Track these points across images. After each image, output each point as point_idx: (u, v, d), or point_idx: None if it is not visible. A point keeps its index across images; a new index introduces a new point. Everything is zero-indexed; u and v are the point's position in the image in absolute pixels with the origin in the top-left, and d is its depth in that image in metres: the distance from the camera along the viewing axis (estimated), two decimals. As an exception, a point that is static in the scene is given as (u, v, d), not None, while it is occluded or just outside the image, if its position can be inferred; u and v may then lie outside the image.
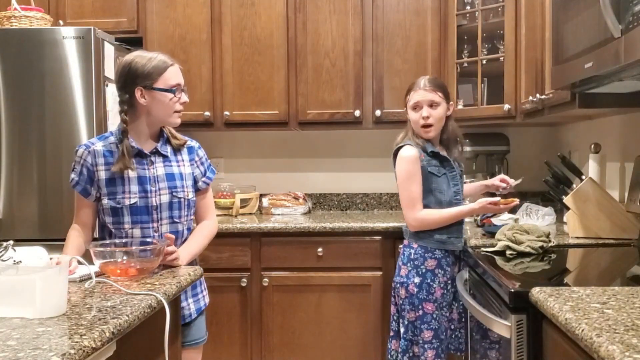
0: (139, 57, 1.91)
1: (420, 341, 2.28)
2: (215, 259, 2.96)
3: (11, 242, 1.68)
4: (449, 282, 2.32)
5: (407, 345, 2.31)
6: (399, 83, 3.25)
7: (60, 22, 3.21)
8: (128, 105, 1.90)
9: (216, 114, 3.31)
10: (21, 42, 2.80)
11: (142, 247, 1.78)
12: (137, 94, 1.88)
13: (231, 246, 2.99)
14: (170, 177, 1.94)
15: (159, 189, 1.91)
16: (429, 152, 2.32)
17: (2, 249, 1.64)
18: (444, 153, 2.37)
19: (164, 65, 1.90)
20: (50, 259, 1.72)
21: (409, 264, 2.33)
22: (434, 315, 2.28)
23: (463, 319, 2.35)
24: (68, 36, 2.78)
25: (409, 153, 2.30)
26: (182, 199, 1.95)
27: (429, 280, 2.29)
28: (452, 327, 2.36)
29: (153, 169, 1.92)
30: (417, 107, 2.32)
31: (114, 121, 1.93)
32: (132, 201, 1.89)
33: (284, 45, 3.27)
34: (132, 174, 1.90)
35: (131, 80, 1.88)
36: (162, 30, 3.29)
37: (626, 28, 1.48)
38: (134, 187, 1.89)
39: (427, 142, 2.34)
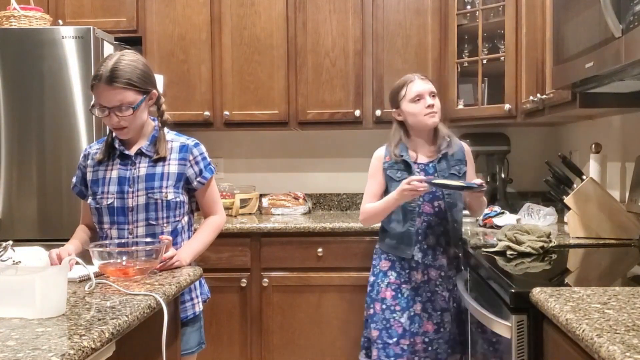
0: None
1: (371, 339, 2.35)
2: (215, 259, 2.95)
3: (10, 242, 1.68)
4: (405, 287, 2.31)
5: (364, 341, 2.42)
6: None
7: (60, 21, 3.21)
8: None
9: (216, 114, 3.31)
10: (20, 42, 2.80)
11: (141, 248, 1.78)
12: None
13: (231, 246, 2.99)
14: (150, 177, 1.88)
15: (137, 190, 1.88)
16: (397, 156, 2.32)
17: (1, 249, 1.64)
18: (420, 158, 2.35)
19: (91, 82, 1.81)
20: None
21: (372, 263, 2.44)
22: (384, 316, 2.31)
23: (442, 329, 2.31)
24: (67, 36, 2.78)
25: (375, 153, 2.42)
26: (159, 200, 1.87)
27: (378, 280, 2.36)
28: (426, 339, 2.30)
29: (135, 169, 1.89)
30: (419, 98, 2.31)
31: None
32: (109, 201, 1.88)
33: (283, 44, 3.26)
34: (113, 174, 1.89)
35: None
36: (162, 30, 3.28)
37: (627, 28, 1.48)
38: (112, 188, 1.88)
39: (403, 147, 2.33)
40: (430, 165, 2.33)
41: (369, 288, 2.40)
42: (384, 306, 2.31)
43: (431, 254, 2.32)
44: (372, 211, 2.34)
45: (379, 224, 2.46)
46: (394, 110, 2.39)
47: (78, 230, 2.01)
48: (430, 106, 2.29)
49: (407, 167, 2.31)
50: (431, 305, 2.31)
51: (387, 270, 2.34)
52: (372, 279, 2.40)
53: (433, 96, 2.33)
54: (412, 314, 2.30)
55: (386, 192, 2.34)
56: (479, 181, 2.22)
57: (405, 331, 2.29)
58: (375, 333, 2.32)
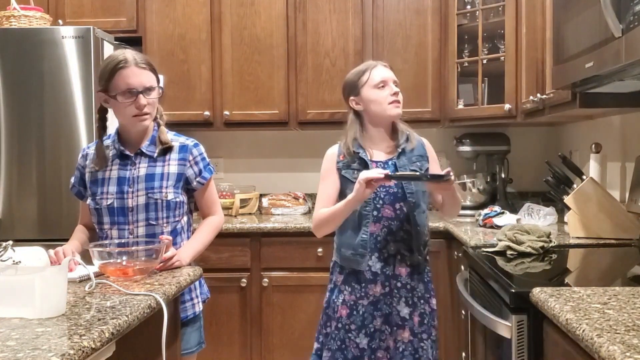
0: (106, 58, 1.88)
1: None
2: (215, 259, 2.95)
3: (10, 242, 1.67)
4: (362, 303, 2.04)
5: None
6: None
7: (60, 21, 3.21)
8: (102, 106, 1.91)
9: (216, 114, 3.31)
10: (20, 42, 2.80)
11: (141, 248, 1.78)
12: (101, 99, 1.87)
13: (231, 246, 2.99)
14: (149, 177, 1.88)
15: (137, 190, 1.87)
16: (352, 154, 2.05)
17: (1, 249, 1.64)
18: (377, 156, 2.07)
19: (112, 70, 1.81)
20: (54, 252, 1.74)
21: (329, 277, 2.17)
22: (340, 335, 2.05)
23: (401, 349, 2.03)
24: (67, 36, 2.78)
25: (327, 152, 2.13)
26: (159, 200, 1.87)
27: (334, 297, 2.09)
28: (389, 356, 2.04)
29: (135, 169, 1.89)
30: (383, 84, 2.06)
31: (112, 121, 1.93)
32: (109, 202, 1.88)
33: (283, 44, 3.26)
34: (112, 175, 1.89)
35: (98, 84, 1.88)
36: (162, 30, 3.28)
37: (627, 27, 1.48)
38: (112, 188, 1.88)
39: (357, 144, 2.06)
40: (390, 162, 2.06)
41: (324, 304, 2.13)
42: (339, 325, 2.06)
43: (392, 263, 2.03)
44: (325, 217, 2.01)
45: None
46: (351, 98, 2.10)
47: (77, 231, 2.00)
48: (396, 94, 2.06)
49: (365, 166, 2.02)
50: (393, 320, 2.05)
51: (341, 284, 2.07)
52: (327, 295, 2.13)
53: (396, 85, 2.11)
54: (371, 330, 2.03)
55: (342, 196, 2.03)
56: (445, 170, 1.91)
57: (364, 351, 2.03)
58: (326, 354, 2.07)
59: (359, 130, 2.09)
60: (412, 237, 2.04)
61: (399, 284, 2.04)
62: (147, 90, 1.83)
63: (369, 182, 1.84)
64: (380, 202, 2.02)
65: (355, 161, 2.05)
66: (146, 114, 1.85)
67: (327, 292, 2.14)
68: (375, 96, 2.06)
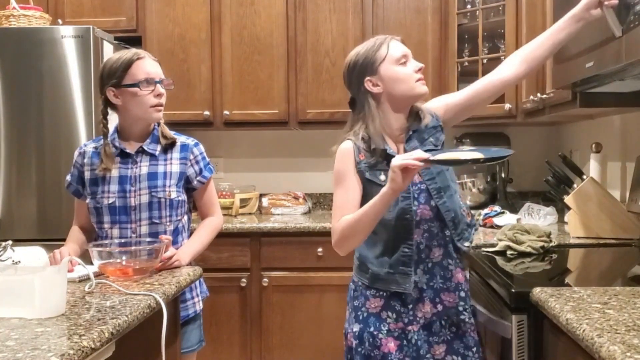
0: (111, 57, 1.90)
1: None
2: (214, 259, 2.95)
3: (10, 242, 1.67)
4: (412, 329, 1.65)
5: None
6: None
7: (59, 21, 3.20)
8: (105, 107, 1.92)
9: (216, 114, 3.30)
10: (20, 41, 2.79)
11: (141, 247, 1.78)
12: (110, 94, 1.87)
13: (231, 246, 2.99)
14: (152, 176, 1.89)
15: (139, 189, 1.88)
16: (377, 150, 1.65)
17: (1, 249, 1.63)
18: (397, 149, 1.69)
19: (129, 61, 1.85)
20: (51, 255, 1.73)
21: (349, 305, 1.74)
22: None
23: None
24: (67, 35, 2.78)
25: (340, 148, 1.69)
26: (162, 199, 1.88)
27: (372, 329, 1.65)
28: None
29: (137, 168, 1.89)
30: (405, 59, 1.68)
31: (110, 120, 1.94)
32: (110, 201, 1.88)
33: (283, 44, 3.26)
34: (113, 173, 1.89)
35: (104, 82, 1.88)
36: (162, 29, 3.28)
37: (627, 27, 1.48)
38: (113, 187, 1.88)
39: (382, 139, 1.66)
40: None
41: (354, 341, 1.67)
42: None
43: (441, 272, 1.67)
44: (353, 223, 1.58)
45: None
46: (367, 78, 1.66)
47: (74, 232, 1.99)
48: (420, 69, 1.69)
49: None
50: (461, 343, 1.67)
51: (381, 311, 1.66)
52: (356, 327, 1.67)
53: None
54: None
55: (365, 203, 1.60)
56: (508, 151, 1.55)
57: None
58: None
59: (383, 118, 1.68)
60: (455, 231, 1.68)
61: (462, 294, 1.69)
62: (162, 80, 1.90)
63: (404, 169, 1.45)
64: (416, 203, 1.65)
65: (382, 160, 1.64)
66: (162, 104, 1.90)
67: (352, 324, 1.70)
68: (400, 73, 1.67)
